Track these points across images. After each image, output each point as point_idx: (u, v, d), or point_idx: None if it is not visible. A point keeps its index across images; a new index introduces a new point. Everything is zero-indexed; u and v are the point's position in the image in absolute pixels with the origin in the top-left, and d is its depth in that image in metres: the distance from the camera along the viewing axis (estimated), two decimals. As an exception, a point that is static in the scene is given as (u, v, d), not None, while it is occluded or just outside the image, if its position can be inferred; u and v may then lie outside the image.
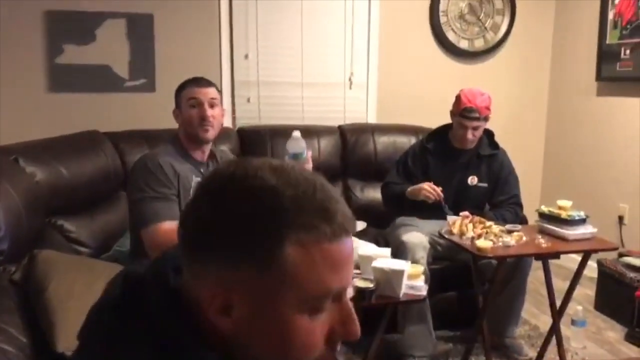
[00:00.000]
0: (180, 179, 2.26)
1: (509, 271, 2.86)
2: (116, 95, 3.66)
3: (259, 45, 3.86)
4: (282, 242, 0.65)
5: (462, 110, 2.96)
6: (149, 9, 3.64)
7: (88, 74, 3.57)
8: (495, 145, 3.15)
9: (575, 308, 3.15)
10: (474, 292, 2.77)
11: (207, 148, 2.40)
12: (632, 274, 3.29)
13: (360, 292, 1.89)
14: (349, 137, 3.74)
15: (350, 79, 4.08)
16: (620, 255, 3.52)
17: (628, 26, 3.70)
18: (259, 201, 0.66)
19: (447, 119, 3.17)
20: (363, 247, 2.13)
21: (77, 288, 1.82)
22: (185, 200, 2.31)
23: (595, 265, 3.55)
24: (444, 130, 3.18)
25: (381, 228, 3.24)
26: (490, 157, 3.10)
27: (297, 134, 2.30)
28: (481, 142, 3.11)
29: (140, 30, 3.65)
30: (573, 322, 3.12)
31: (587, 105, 4.17)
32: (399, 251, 2.69)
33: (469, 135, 2.98)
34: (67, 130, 3.00)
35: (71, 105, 3.56)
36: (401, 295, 1.91)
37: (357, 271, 2.01)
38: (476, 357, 2.83)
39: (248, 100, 3.91)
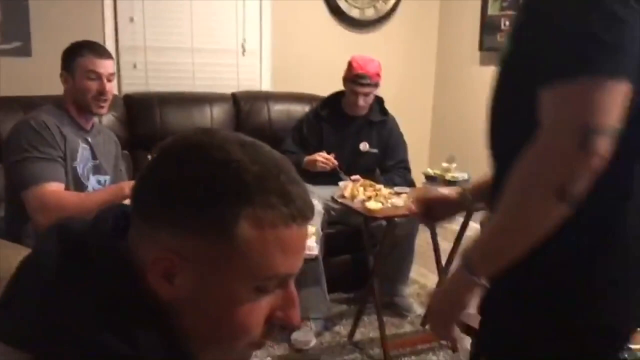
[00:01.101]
0: (67, 143, 2.17)
1: (398, 233, 2.97)
2: (-14, 59, 3.36)
3: (145, 8, 3.67)
4: (238, 217, 0.64)
5: (354, 77, 3.01)
6: (21, -36, 3.35)
7: (-48, 35, 3.25)
8: (385, 112, 3.23)
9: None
10: (366, 255, 2.85)
11: (94, 117, 2.33)
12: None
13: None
14: (243, 105, 3.68)
15: (242, 46, 4.00)
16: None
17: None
18: (221, 173, 0.65)
19: (340, 87, 3.21)
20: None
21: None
22: (71, 165, 2.20)
23: (478, 226, 3.76)
24: (336, 97, 3.22)
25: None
26: (380, 124, 3.18)
27: None
28: (372, 109, 3.18)
29: (13, -11, 3.35)
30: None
31: (471, 74, 4.37)
32: None
33: (361, 101, 3.03)
34: None
35: None
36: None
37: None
38: (368, 316, 2.92)
39: (134, 66, 3.72)
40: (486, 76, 4.47)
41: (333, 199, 2.79)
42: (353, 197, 2.63)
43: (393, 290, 3.13)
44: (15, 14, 3.36)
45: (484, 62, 4.23)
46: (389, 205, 2.55)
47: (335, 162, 2.95)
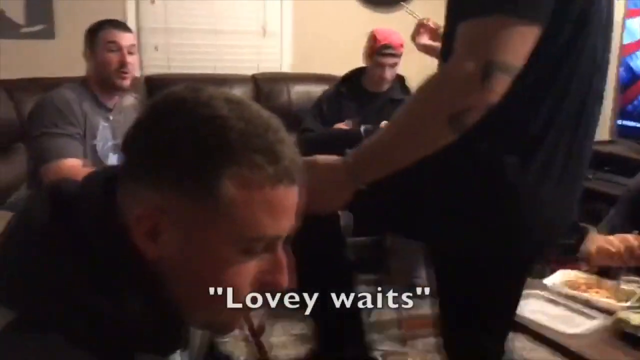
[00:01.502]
0: (87, 120, 2.20)
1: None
2: (11, 42, 3.40)
3: (166, -11, 3.69)
4: (222, 175, 0.63)
5: (379, 48, 2.98)
6: (45, -52, 3.39)
7: (-23, 18, 3.31)
8: (407, 90, 3.18)
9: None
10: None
11: (119, 95, 2.32)
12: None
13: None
14: (263, 86, 3.66)
15: (263, 27, 3.98)
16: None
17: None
18: (205, 129, 0.64)
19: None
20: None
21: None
22: (90, 143, 2.23)
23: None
24: (356, 74, 3.18)
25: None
26: (401, 102, 3.11)
27: None
28: (393, 87, 3.13)
29: (36, -29, 3.39)
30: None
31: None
32: None
33: (387, 73, 2.99)
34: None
35: (-41, 52, 3.29)
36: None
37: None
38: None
39: (156, 48, 3.74)
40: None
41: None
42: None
43: (413, 271, 3.09)
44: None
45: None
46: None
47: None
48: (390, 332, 2.74)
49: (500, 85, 0.99)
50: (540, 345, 1.63)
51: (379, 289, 2.83)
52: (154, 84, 3.47)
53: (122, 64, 2.21)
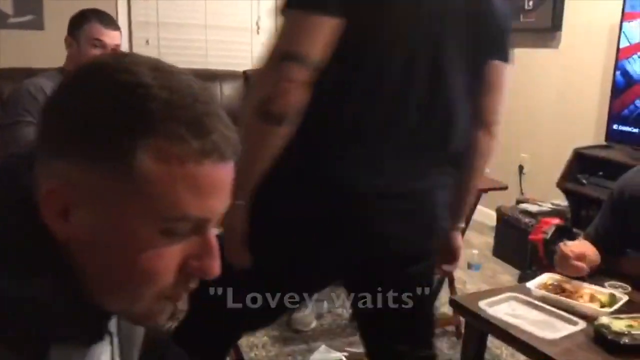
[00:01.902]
0: None
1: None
2: (-1, 32, 3.37)
3: (158, -17, 3.65)
4: (139, 147, 0.57)
5: None
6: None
7: (-36, 7, 3.27)
8: None
9: (471, 253, 3.22)
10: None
11: None
12: (527, 219, 3.38)
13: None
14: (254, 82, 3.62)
15: (257, 24, 3.94)
16: (518, 202, 3.63)
17: (531, -24, 3.74)
18: (125, 97, 0.58)
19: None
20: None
21: None
22: None
23: (494, 213, 3.64)
24: None
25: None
26: None
27: None
28: None
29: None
30: (469, 266, 3.19)
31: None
32: None
33: None
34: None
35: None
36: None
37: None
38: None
39: (147, 42, 3.71)
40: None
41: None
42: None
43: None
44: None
45: (506, 44, 4.07)
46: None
47: None
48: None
49: (295, 73, 1.06)
50: (517, 351, 1.57)
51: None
52: (142, 78, 3.43)
53: None
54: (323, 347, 1.92)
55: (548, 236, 3.09)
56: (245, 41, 3.92)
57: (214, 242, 0.64)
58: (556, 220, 3.16)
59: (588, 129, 3.44)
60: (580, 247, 1.72)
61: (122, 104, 0.58)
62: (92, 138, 0.58)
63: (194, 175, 0.59)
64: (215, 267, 0.64)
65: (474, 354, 1.70)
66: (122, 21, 3.61)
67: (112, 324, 0.73)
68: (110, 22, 2.23)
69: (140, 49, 3.69)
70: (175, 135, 0.58)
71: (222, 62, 3.78)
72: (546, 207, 3.46)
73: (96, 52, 2.15)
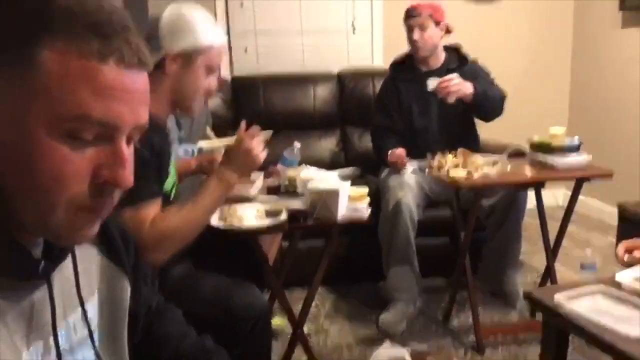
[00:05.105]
0: None
1: (502, 212, 2.67)
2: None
3: (254, -8, 3.74)
4: (40, 43, 0.59)
5: (405, 15, 2.85)
6: (139, -41, 3.59)
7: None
8: (464, 59, 2.93)
9: (584, 252, 2.92)
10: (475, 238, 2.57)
11: None
12: (653, 216, 3.00)
13: (294, 215, 1.77)
14: (347, 82, 3.58)
15: (353, 24, 3.90)
16: (644, 198, 3.24)
17: (652, -54, 3.35)
18: (28, 3, 0.61)
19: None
20: (306, 171, 2.00)
21: None
22: None
23: (615, 210, 3.27)
24: (407, 58, 3.00)
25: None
26: (458, 69, 2.85)
27: (297, 145, 2.25)
28: (448, 58, 2.91)
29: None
30: (582, 267, 2.88)
31: (611, 39, 3.83)
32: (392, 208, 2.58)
33: (416, 34, 2.79)
34: None
35: None
36: (339, 217, 1.77)
37: (301, 198, 1.89)
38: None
39: (245, 50, 3.81)
40: (630, 40, 3.99)
41: (421, 170, 2.58)
42: (440, 166, 2.39)
43: (501, 277, 2.81)
44: (136, 6, 3.60)
45: (626, 24, 3.68)
46: (479, 175, 2.28)
47: (405, 160, 2.70)
48: (467, 339, 2.50)
49: None
50: (598, 350, 1.36)
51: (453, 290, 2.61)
52: (238, 84, 3.53)
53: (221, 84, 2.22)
54: (387, 342, 1.82)
55: (676, 233, 2.71)
56: (341, 43, 3.89)
57: (125, 152, 0.64)
58: (687, 216, 2.76)
59: None
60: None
61: (25, 9, 0.60)
62: None
63: (93, 74, 0.60)
64: (124, 177, 0.64)
65: (553, 357, 1.50)
66: (221, 31, 3.75)
67: (57, 281, 0.72)
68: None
69: (239, 57, 3.80)
70: (76, 35, 0.60)
71: (319, 64, 3.78)
72: (676, 201, 3.04)
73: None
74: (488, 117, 2.82)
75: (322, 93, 3.53)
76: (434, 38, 2.82)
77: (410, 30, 2.83)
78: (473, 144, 2.83)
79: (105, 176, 0.64)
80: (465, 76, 2.68)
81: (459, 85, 2.57)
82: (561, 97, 4.32)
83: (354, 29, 3.91)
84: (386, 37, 3.92)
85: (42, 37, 0.59)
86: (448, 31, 2.88)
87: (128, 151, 0.65)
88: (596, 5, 3.95)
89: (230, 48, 3.79)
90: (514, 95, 4.18)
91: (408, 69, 2.95)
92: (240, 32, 3.79)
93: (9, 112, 0.60)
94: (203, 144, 2.03)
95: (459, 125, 2.86)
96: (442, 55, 2.90)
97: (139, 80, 0.65)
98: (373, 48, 3.95)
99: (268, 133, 1.76)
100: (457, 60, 2.91)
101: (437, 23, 2.81)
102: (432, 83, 2.59)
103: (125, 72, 0.62)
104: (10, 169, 0.61)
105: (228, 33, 3.77)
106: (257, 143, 1.64)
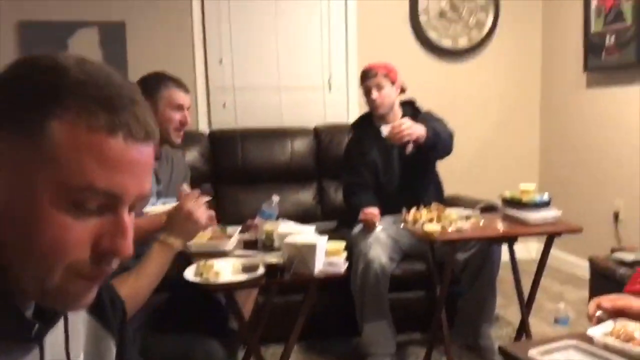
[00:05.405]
0: None
1: (476, 266, 2.70)
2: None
3: (233, 50, 3.83)
4: (50, 114, 0.61)
5: (361, 75, 2.95)
6: (121, 16, 3.67)
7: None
8: (417, 111, 3.03)
9: (557, 306, 2.95)
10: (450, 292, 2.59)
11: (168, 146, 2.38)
12: (622, 270, 3.06)
13: (271, 269, 1.78)
14: (324, 137, 3.65)
15: (329, 82, 4.01)
16: (613, 251, 3.30)
17: (611, 12, 3.54)
18: (42, 75, 0.63)
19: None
20: (283, 226, 2.02)
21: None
22: None
23: (587, 264, 3.33)
24: (366, 118, 3.10)
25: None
26: (414, 118, 2.94)
27: (276, 198, 2.32)
28: (404, 113, 3.00)
29: (113, 38, 3.67)
30: (556, 321, 2.92)
31: (577, 98, 3.99)
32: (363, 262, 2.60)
33: (374, 94, 2.87)
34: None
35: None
36: (316, 271, 1.79)
37: (278, 253, 1.90)
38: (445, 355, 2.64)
39: (224, 105, 3.87)
40: (594, 99, 4.16)
41: (395, 225, 2.62)
42: (415, 220, 2.44)
43: (477, 331, 2.82)
44: (115, 62, 3.65)
45: (590, 84, 3.85)
46: (452, 229, 2.33)
47: (376, 219, 2.75)
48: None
49: None
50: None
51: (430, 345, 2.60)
52: (216, 138, 3.57)
53: (184, 123, 2.27)
54: None
55: (645, 287, 2.77)
56: (317, 98, 3.99)
57: (127, 222, 0.66)
58: (654, 270, 2.83)
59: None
60: (620, 301, 1.48)
61: (38, 80, 0.62)
62: (4, 108, 0.62)
63: (101, 146, 0.61)
64: (125, 247, 0.65)
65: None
66: (200, 86, 3.82)
67: (48, 343, 0.71)
68: (185, 87, 2.34)
69: (217, 112, 3.86)
70: (86, 109, 0.61)
71: (296, 119, 3.85)
72: (644, 255, 3.11)
73: (176, 114, 2.25)
74: (441, 154, 2.89)
75: (299, 147, 3.59)
76: (391, 96, 2.93)
77: (367, 90, 2.93)
78: (436, 195, 2.93)
79: (106, 245, 0.64)
80: (418, 122, 2.77)
81: (411, 128, 2.63)
82: (531, 154, 4.45)
83: (330, 86, 4.01)
84: (361, 94, 4.01)
85: (53, 109, 0.61)
86: (402, 90, 2.99)
87: (129, 221, 0.66)
88: (562, 66, 4.13)
89: (208, 103, 3.86)
90: (485, 151, 4.34)
91: (369, 127, 3.01)
92: (219, 88, 3.86)
93: (14, 178, 0.61)
94: (147, 209, 2.06)
95: (421, 177, 2.94)
96: (399, 112, 2.99)
97: (145, 152, 0.66)
98: (349, 105, 4.05)
99: (208, 191, 1.82)
100: (412, 113, 3.01)
101: (393, 82, 2.93)
102: (385, 129, 2.66)
103: (132, 146, 0.64)
104: (12, 233, 0.62)
105: (207, 89, 3.84)
106: (197, 206, 1.69)
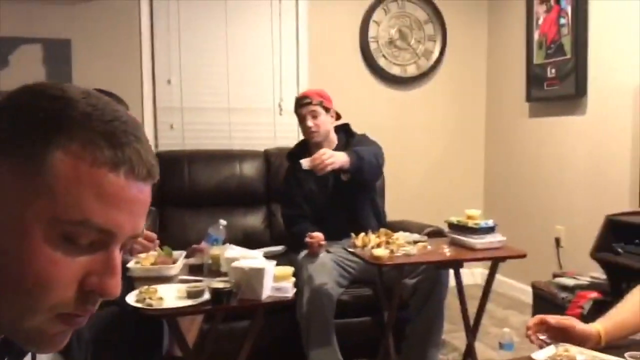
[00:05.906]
0: None
1: (425, 291, 2.71)
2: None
3: (182, 70, 3.79)
4: (52, 144, 0.59)
5: (296, 102, 2.97)
6: (66, 34, 3.58)
7: (0, 99, 3.47)
8: (351, 134, 3.06)
9: (502, 331, 2.99)
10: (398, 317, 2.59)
11: None
12: (563, 295, 3.14)
13: (217, 294, 1.73)
14: (273, 160, 3.62)
15: (280, 105, 4.00)
16: (555, 276, 3.39)
17: (552, 45, 3.69)
18: (48, 105, 0.61)
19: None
20: (230, 250, 1.98)
21: None
22: None
23: (530, 289, 3.41)
24: (301, 147, 3.10)
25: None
26: (347, 145, 2.97)
27: (223, 222, 2.31)
28: (338, 138, 3.02)
29: (58, 55, 3.57)
30: (500, 346, 2.95)
31: (520, 127, 4.12)
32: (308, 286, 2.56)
33: (309, 122, 2.89)
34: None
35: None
36: (264, 296, 1.75)
37: (225, 278, 1.85)
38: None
39: (171, 126, 3.80)
40: (535, 129, 4.30)
41: (346, 250, 2.60)
42: (364, 245, 2.43)
43: (424, 356, 2.82)
44: (59, 77, 3.55)
45: (532, 114, 3.98)
46: (400, 253, 2.33)
47: (321, 242, 2.72)
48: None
49: None
50: None
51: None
52: (162, 159, 3.48)
53: None
54: None
55: (585, 311, 2.85)
56: (268, 121, 3.97)
57: (117, 261, 0.63)
58: (593, 294, 2.92)
59: (622, 195, 3.24)
60: (566, 320, 1.51)
61: (45, 107, 0.60)
62: (7, 133, 0.60)
63: (100, 180, 0.60)
64: (113, 286, 0.63)
65: None
66: (148, 106, 3.75)
67: None
68: (123, 103, 2.29)
69: (164, 133, 3.79)
70: (92, 142, 0.60)
71: (246, 142, 3.82)
72: (584, 280, 3.20)
73: None
74: (368, 178, 2.87)
75: (249, 170, 3.56)
76: (326, 124, 2.94)
77: (302, 118, 2.93)
78: (377, 220, 2.95)
79: (93, 284, 0.62)
80: (352, 147, 2.81)
81: (332, 158, 2.63)
82: (476, 180, 4.55)
83: (280, 110, 4.01)
84: (312, 118, 4.04)
85: (58, 138, 0.59)
86: (338, 117, 3.00)
87: (119, 259, 0.64)
88: (506, 96, 4.26)
89: (155, 124, 3.79)
90: (431, 177, 4.42)
91: (304, 156, 2.93)
92: (167, 109, 3.79)
93: (6, 205, 0.59)
94: None
95: (360, 204, 2.95)
96: (335, 139, 3.01)
97: (145, 191, 0.64)
98: (299, 130, 4.03)
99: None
100: (346, 139, 3.03)
101: (327, 110, 2.94)
102: (305, 163, 2.67)
103: (133, 183, 0.62)
104: None
105: (154, 109, 3.77)
106: None
